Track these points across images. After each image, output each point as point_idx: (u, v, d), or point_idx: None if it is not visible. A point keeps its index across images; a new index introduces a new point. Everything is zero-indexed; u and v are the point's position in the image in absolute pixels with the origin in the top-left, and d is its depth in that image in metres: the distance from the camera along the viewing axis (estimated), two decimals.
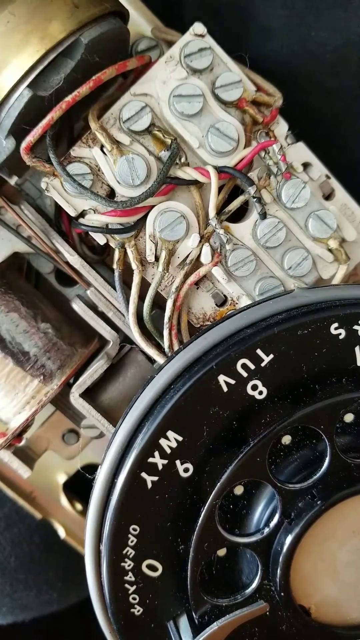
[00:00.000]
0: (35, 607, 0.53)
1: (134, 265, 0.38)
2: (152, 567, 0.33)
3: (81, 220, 0.38)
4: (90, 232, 0.38)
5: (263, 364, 0.32)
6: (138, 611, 0.33)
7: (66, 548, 0.50)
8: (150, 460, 0.31)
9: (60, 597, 0.54)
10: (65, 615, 0.55)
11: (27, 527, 0.52)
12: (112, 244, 0.38)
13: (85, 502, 0.47)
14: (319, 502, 0.32)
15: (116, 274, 0.39)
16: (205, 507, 0.32)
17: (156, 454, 0.31)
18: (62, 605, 0.54)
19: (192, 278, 0.38)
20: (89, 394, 0.41)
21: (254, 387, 0.32)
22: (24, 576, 0.53)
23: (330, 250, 0.39)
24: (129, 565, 0.33)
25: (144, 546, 0.32)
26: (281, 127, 0.39)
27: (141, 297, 0.39)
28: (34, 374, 0.38)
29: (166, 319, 0.38)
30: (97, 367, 0.40)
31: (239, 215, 0.39)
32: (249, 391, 0.32)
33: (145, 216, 0.38)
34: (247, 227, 0.39)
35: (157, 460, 0.31)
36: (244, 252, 0.38)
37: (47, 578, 0.53)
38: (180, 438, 0.31)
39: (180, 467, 0.32)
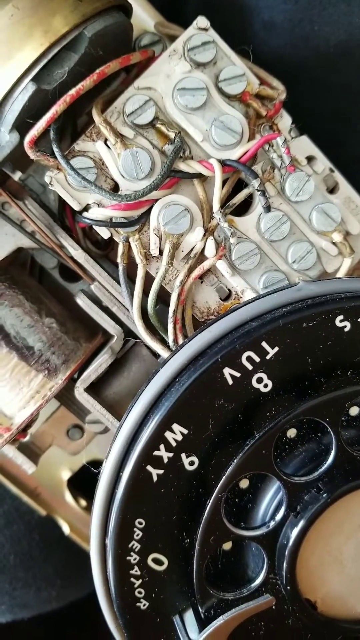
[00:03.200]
0: (34, 605, 0.53)
1: (138, 259, 0.38)
2: (157, 561, 0.33)
3: (85, 214, 0.38)
4: (94, 226, 0.38)
5: (268, 357, 0.32)
6: (144, 605, 0.33)
7: (66, 545, 0.50)
8: (156, 453, 0.31)
9: (60, 594, 0.54)
10: (65, 613, 0.55)
11: (26, 525, 0.52)
12: (116, 238, 0.38)
13: (90, 499, 0.47)
14: (324, 495, 0.32)
15: (120, 268, 0.39)
16: (211, 500, 0.32)
17: (161, 447, 0.31)
18: (61, 603, 0.54)
19: (197, 272, 0.38)
20: (94, 389, 0.40)
21: (259, 380, 0.32)
22: (23, 574, 0.52)
23: (334, 243, 0.39)
24: (134, 559, 0.32)
25: (150, 540, 0.32)
26: (285, 121, 0.39)
27: (145, 292, 0.38)
28: (39, 368, 0.38)
29: (170, 313, 0.38)
30: (102, 362, 0.40)
31: (243, 209, 0.39)
32: (254, 384, 0.32)
33: (150, 210, 0.38)
34: (251, 220, 0.39)
35: (163, 453, 0.31)
36: (248, 245, 0.38)
37: (47, 576, 0.53)
38: (185, 431, 0.31)
39: (185, 460, 0.32)
